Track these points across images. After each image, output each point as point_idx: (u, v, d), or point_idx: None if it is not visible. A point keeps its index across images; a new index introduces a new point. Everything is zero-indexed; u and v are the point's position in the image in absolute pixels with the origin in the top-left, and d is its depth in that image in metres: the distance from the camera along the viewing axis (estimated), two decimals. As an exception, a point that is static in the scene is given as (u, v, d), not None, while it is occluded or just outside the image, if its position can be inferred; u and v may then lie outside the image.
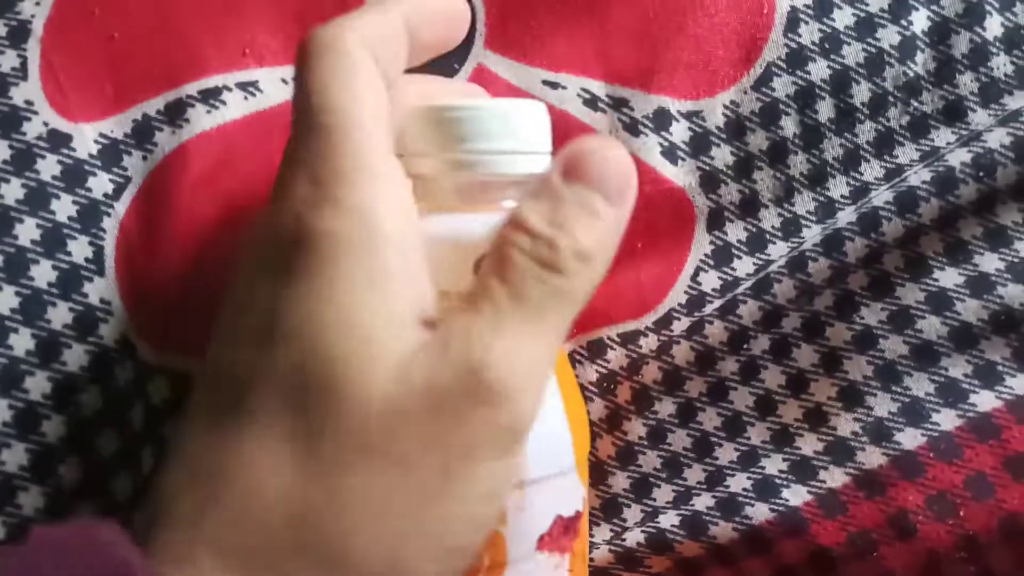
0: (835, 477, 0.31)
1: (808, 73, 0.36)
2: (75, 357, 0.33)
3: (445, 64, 0.36)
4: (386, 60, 0.25)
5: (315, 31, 0.25)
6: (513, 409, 0.22)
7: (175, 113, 0.34)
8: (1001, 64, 0.36)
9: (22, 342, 0.32)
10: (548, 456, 0.29)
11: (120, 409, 0.33)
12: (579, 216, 0.24)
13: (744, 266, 0.36)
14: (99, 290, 0.34)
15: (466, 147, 0.27)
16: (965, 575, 0.30)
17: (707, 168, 0.36)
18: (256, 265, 0.24)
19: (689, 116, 0.36)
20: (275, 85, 0.35)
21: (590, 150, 0.24)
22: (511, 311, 0.23)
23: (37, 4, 0.34)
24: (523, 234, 0.23)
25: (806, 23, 0.36)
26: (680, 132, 0.36)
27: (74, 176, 0.34)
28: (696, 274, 0.36)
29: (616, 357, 0.35)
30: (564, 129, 0.36)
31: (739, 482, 0.32)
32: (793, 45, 0.36)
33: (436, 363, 0.22)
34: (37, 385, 0.32)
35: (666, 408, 0.34)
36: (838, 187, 0.36)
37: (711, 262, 0.36)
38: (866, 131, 0.36)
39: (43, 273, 0.33)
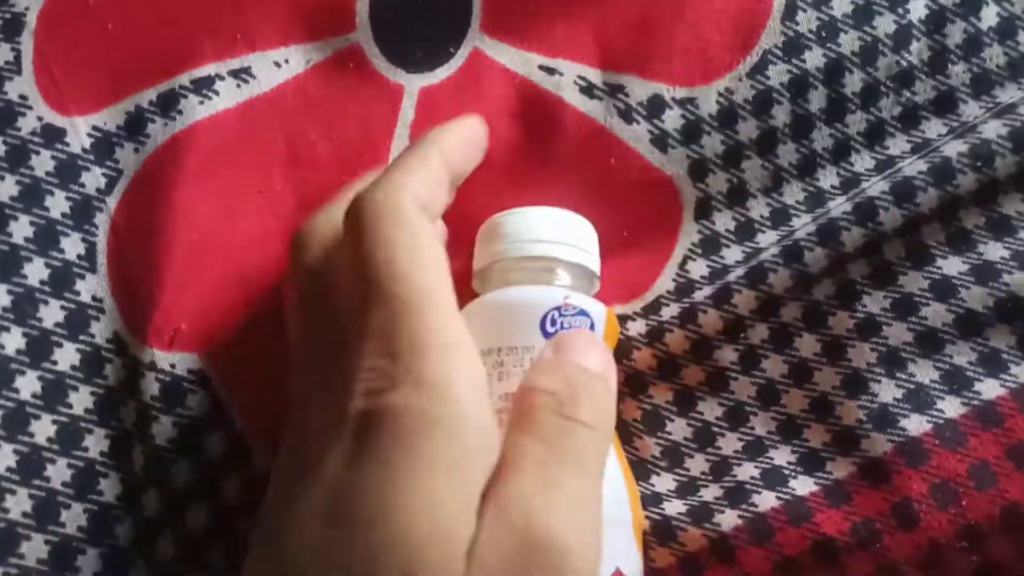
0: (841, 467, 0.31)
1: (804, 61, 0.35)
2: (66, 356, 0.32)
3: (441, 49, 0.35)
4: (436, 211, 0.27)
5: (366, 195, 0.25)
6: (579, 564, 0.23)
7: (168, 104, 0.34)
8: (994, 55, 0.35)
9: (13, 341, 0.32)
10: (608, 500, 0.28)
11: (111, 409, 0.33)
12: (581, 377, 0.27)
13: (732, 254, 0.35)
14: (91, 287, 0.33)
15: (513, 239, 0.32)
16: (967, 565, 0.29)
17: (696, 156, 0.35)
18: (317, 437, 0.24)
19: (683, 103, 0.35)
20: (268, 70, 0.34)
21: (571, 338, 0.29)
22: (555, 463, 0.24)
23: None
24: (544, 395, 0.26)
25: (804, 11, 0.35)
26: (672, 120, 0.35)
27: (68, 171, 0.33)
28: (684, 262, 0.35)
29: None
30: (559, 116, 0.35)
31: (747, 471, 0.32)
32: (790, 33, 0.35)
33: (503, 539, 0.22)
34: (27, 385, 0.32)
35: (662, 395, 0.34)
36: (828, 177, 0.35)
37: (699, 251, 0.35)
38: (857, 121, 0.35)
39: (36, 271, 0.32)
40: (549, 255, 0.32)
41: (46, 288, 0.33)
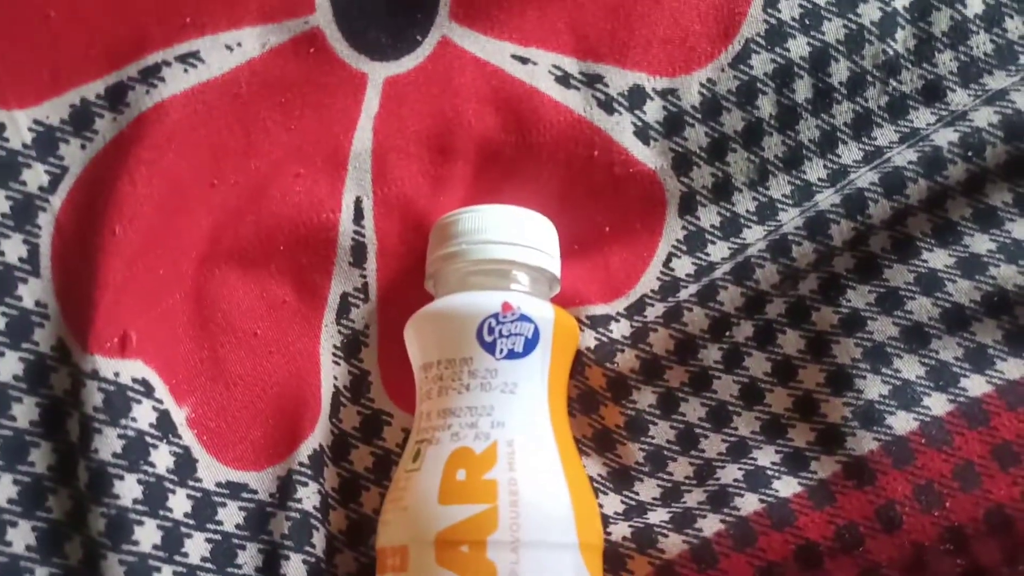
0: (825, 466, 0.31)
1: (787, 50, 0.35)
2: (8, 366, 0.31)
3: (407, 36, 0.35)
4: None
5: None
6: None
7: (116, 98, 0.33)
8: (981, 43, 0.36)
9: None
10: (544, 519, 0.28)
11: (57, 421, 0.32)
12: None
13: (719, 251, 0.35)
14: (34, 292, 0.32)
15: (463, 239, 0.32)
16: (951, 567, 0.30)
17: (680, 150, 0.35)
18: None
19: (664, 94, 0.35)
20: (219, 53, 0.33)
21: None
22: None
23: None
24: None
25: None
26: (654, 111, 0.35)
27: (7, 169, 0.32)
28: (668, 260, 0.35)
29: (583, 338, 0.35)
30: (535, 107, 0.35)
31: (730, 473, 0.32)
32: (772, 21, 0.35)
33: None
34: None
35: (646, 398, 0.34)
36: (815, 170, 0.35)
37: (684, 247, 0.35)
38: (844, 112, 0.35)
39: None
40: (502, 257, 0.32)
41: None
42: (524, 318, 0.30)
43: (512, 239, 0.31)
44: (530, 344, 0.30)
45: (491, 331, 0.30)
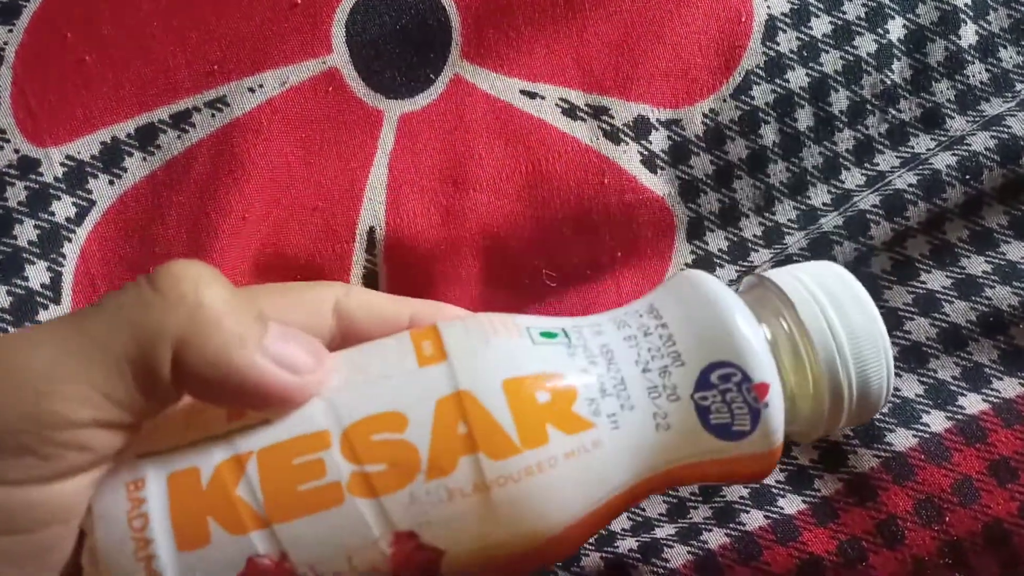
0: (828, 484, 0.32)
1: (787, 81, 0.37)
2: None
3: (420, 75, 0.37)
4: None
5: None
6: None
7: (146, 138, 0.35)
8: (976, 72, 0.38)
9: None
10: None
11: None
12: None
13: (727, 274, 0.37)
14: (54, 318, 0.34)
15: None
16: None
17: (686, 177, 0.37)
18: None
19: (668, 124, 0.37)
20: (241, 96, 0.36)
21: None
22: None
23: (10, 31, 0.34)
24: None
25: (784, 31, 0.37)
26: (660, 141, 0.37)
27: (39, 201, 0.34)
28: None
29: None
30: (543, 138, 0.37)
31: (735, 490, 0.33)
32: (771, 53, 0.37)
33: None
34: None
35: None
36: (819, 195, 0.37)
37: None
38: (845, 139, 0.37)
39: None
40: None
41: (7, 316, 0.34)
42: None
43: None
44: None
45: None
